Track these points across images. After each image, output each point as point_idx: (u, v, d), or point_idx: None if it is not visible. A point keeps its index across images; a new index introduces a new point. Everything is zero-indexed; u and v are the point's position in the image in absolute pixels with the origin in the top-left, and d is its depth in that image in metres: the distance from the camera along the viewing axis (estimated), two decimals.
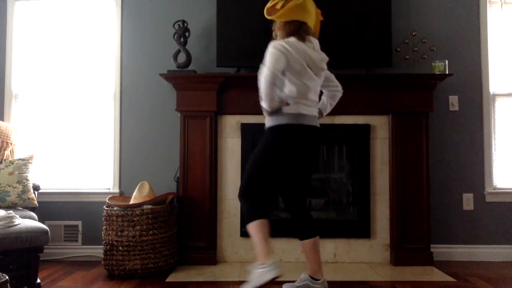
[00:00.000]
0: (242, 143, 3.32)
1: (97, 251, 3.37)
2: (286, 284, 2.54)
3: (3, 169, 3.01)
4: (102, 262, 3.03)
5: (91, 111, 3.59)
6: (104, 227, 3.03)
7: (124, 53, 3.57)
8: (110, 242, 2.96)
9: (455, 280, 2.87)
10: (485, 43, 3.52)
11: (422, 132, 3.27)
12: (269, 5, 2.39)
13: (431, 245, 3.26)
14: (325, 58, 2.46)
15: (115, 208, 3.01)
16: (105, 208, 3.05)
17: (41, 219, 3.00)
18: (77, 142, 3.57)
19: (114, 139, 3.54)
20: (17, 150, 3.31)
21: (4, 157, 3.17)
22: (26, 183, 2.99)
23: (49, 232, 2.55)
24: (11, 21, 3.60)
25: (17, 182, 2.96)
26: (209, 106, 3.27)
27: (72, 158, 3.56)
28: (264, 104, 2.35)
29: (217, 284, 2.78)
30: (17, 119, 3.57)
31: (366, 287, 2.74)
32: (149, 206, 3.01)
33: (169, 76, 3.29)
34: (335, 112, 3.26)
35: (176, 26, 3.38)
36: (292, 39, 2.35)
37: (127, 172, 3.52)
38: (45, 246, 2.55)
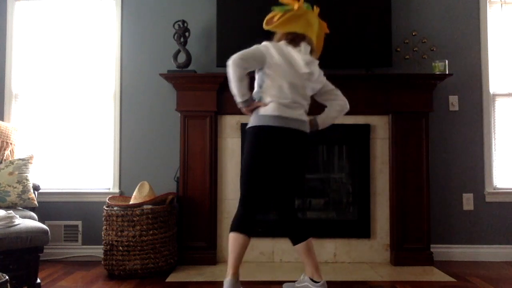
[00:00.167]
0: (242, 143, 3.31)
1: (97, 251, 3.37)
2: (286, 284, 2.56)
3: (3, 169, 3.01)
4: (102, 262, 3.03)
5: (91, 111, 3.59)
6: (104, 227, 3.03)
7: (124, 53, 3.57)
8: (110, 242, 2.96)
9: (455, 280, 2.87)
10: (485, 43, 3.52)
11: (422, 132, 3.27)
12: (268, 16, 2.44)
13: (431, 245, 3.26)
14: (312, 60, 2.39)
15: (115, 208, 3.01)
16: (105, 208, 3.06)
17: (41, 219, 3.00)
18: (77, 142, 3.57)
19: (114, 139, 3.54)
20: (17, 150, 3.31)
21: (4, 157, 3.17)
22: (26, 183, 2.99)
23: (49, 232, 2.55)
24: (11, 21, 3.60)
25: (17, 182, 2.96)
26: (209, 106, 3.28)
27: (72, 158, 3.56)
28: (233, 91, 2.33)
29: (217, 284, 2.78)
30: (17, 119, 3.57)
31: (366, 287, 2.74)
32: (149, 206, 3.01)
33: (169, 76, 3.29)
34: None
35: (176, 26, 3.38)
36: (280, 42, 2.38)
37: (127, 172, 3.52)
38: (45, 246, 2.55)
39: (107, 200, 3.14)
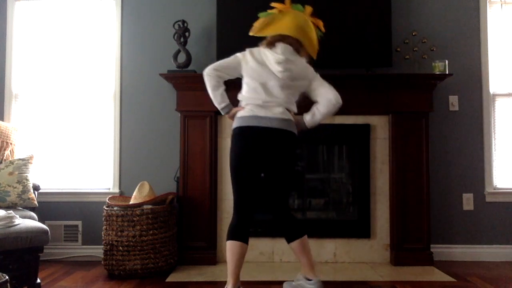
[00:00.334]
0: None
1: (97, 251, 3.36)
2: (286, 282, 2.58)
3: (3, 169, 3.01)
4: (102, 262, 3.02)
5: (91, 111, 3.59)
6: (104, 227, 3.03)
7: (124, 53, 3.57)
8: (110, 242, 2.96)
9: (455, 280, 2.87)
10: (485, 43, 3.52)
11: (422, 132, 3.26)
12: (255, 23, 2.49)
13: (431, 245, 3.26)
14: (287, 60, 2.34)
15: (115, 208, 3.01)
16: (105, 208, 3.06)
17: (41, 219, 3.00)
18: (77, 142, 3.57)
19: (114, 139, 3.54)
20: (17, 150, 3.31)
21: (4, 157, 3.17)
22: (26, 183, 2.99)
23: (49, 232, 2.55)
24: (11, 21, 3.60)
25: (17, 182, 2.96)
26: (209, 106, 3.22)
27: (72, 158, 3.56)
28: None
29: (217, 284, 2.78)
30: (17, 119, 3.57)
31: (366, 287, 2.75)
32: (149, 206, 3.01)
33: (169, 76, 3.29)
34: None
35: (176, 26, 3.38)
36: (260, 47, 2.44)
37: (127, 172, 3.52)
38: (45, 246, 2.55)
39: (107, 200, 3.14)
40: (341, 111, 3.24)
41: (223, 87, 2.43)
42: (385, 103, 3.29)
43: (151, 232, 2.95)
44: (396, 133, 3.27)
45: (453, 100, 3.50)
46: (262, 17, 2.45)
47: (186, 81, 3.27)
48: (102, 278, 2.96)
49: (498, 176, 3.51)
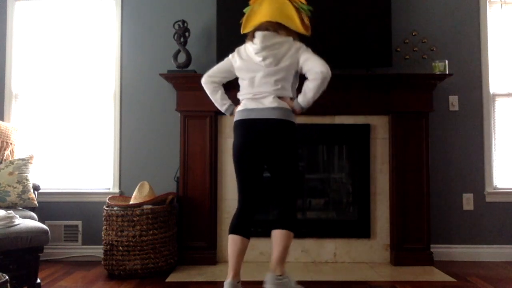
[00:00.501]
0: None
1: (97, 251, 3.36)
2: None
3: (3, 169, 3.01)
4: (102, 262, 3.03)
5: (91, 111, 3.59)
6: (104, 227, 3.03)
7: (124, 53, 3.57)
8: (110, 242, 2.96)
9: (455, 280, 2.87)
10: (485, 43, 3.52)
11: (422, 132, 3.26)
12: None
13: (431, 245, 3.26)
14: (265, 46, 2.33)
15: (115, 208, 3.01)
16: (105, 208, 3.06)
17: (41, 219, 3.00)
18: (77, 142, 3.57)
19: (114, 139, 3.54)
20: (17, 150, 3.31)
21: (4, 157, 3.17)
22: (26, 183, 2.99)
23: (49, 232, 2.55)
24: (11, 21, 3.60)
25: (17, 182, 2.96)
26: (209, 106, 3.23)
27: (72, 158, 3.56)
28: None
29: (217, 284, 2.78)
30: (17, 119, 3.57)
31: (366, 287, 2.75)
32: (149, 206, 3.01)
33: (169, 76, 3.29)
34: (335, 112, 3.31)
35: (176, 26, 3.38)
36: (246, 43, 2.49)
37: (127, 172, 3.52)
38: (45, 246, 2.56)
39: (107, 200, 3.14)
40: (341, 111, 3.30)
41: (221, 90, 2.53)
42: (385, 103, 3.29)
43: (151, 232, 2.95)
44: (396, 133, 3.27)
45: (453, 100, 3.50)
46: (246, 13, 2.51)
47: (186, 81, 3.27)
48: (102, 278, 2.96)
49: (498, 176, 3.51)
